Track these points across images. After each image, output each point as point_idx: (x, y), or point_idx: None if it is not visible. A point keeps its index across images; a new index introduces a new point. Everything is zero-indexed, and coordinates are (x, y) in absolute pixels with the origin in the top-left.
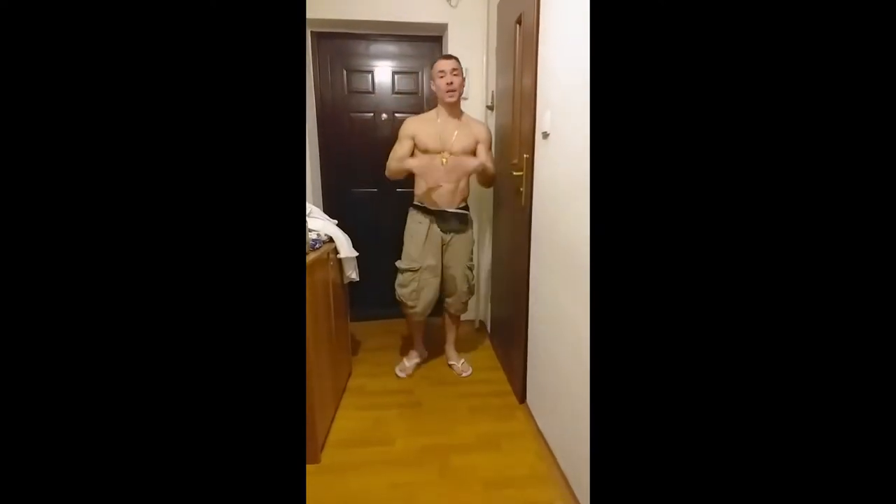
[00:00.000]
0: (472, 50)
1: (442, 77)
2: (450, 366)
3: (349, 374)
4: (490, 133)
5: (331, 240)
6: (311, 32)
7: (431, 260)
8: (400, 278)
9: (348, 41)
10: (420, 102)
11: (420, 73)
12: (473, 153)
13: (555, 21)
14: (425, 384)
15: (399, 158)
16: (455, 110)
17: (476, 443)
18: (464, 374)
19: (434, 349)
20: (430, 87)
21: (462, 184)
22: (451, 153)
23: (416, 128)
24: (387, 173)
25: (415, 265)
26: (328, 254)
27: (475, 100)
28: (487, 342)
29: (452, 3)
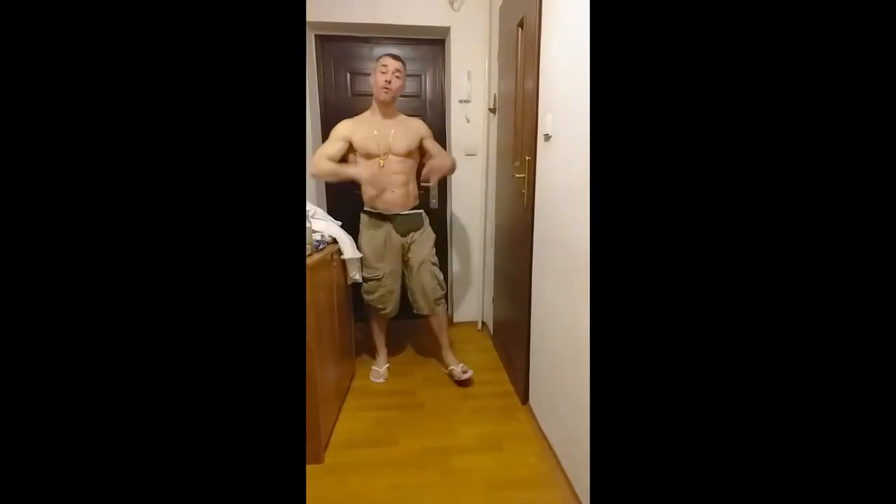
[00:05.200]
0: (475, 53)
1: (383, 73)
2: (449, 372)
3: (352, 375)
4: (428, 128)
5: (334, 241)
6: (315, 35)
7: (393, 265)
8: (365, 286)
9: (351, 44)
10: (422, 105)
11: (423, 77)
12: (419, 151)
13: (557, 24)
14: (428, 385)
15: (329, 157)
16: (390, 110)
17: (478, 444)
18: (464, 377)
19: (432, 350)
20: (431, 89)
21: (412, 185)
22: (393, 154)
23: (352, 129)
24: (313, 171)
25: (378, 273)
26: (332, 255)
27: (477, 103)
28: (490, 343)
29: (455, 7)
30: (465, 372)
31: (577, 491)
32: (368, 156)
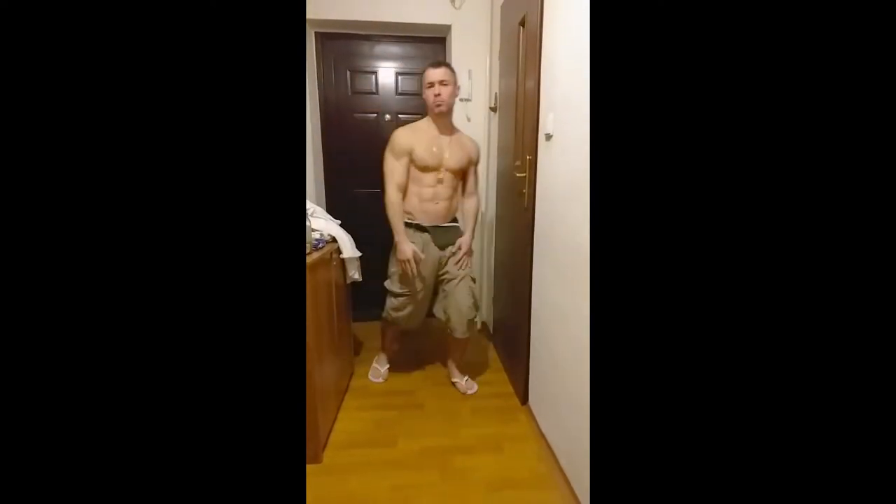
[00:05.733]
0: (476, 51)
1: (430, 87)
2: (453, 383)
3: (351, 375)
4: (479, 152)
5: (334, 240)
6: (315, 33)
7: (428, 280)
8: (393, 302)
9: (352, 42)
10: (423, 104)
11: (423, 75)
12: (465, 172)
13: (558, 22)
14: (428, 385)
15: (400, 184)
16: (446, 122)
17: (478, 445)
18: (469, 392)
19: (432, 350)
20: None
21: (455, 199)
22: (447, 169)
23: (412, 141)
24: (387, 206)
25: (409, 290)
26: (331, 254)
27: (478, 101)
28: (489, 344)
29: (456, 5)
30: (470, 388)
31: (577, 492)
32: (426, 168)
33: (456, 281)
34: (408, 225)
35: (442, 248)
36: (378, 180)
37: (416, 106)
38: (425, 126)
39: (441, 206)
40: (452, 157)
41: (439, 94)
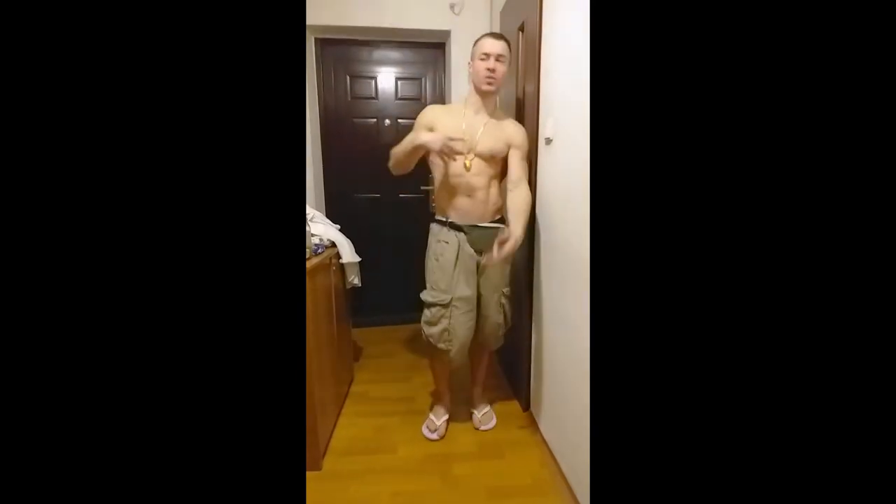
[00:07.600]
0: None
1: (484, 60)
2: (470, 414)
3: (351, 381)
4: (526, 139)
5: (333, 245)
6: (315, 39)
7: (465, 289)
8: (427, 314)
9: (351, 48)
10: (423, 108)
11: (423, 80)
12: (504, 159)
13: (558, 28)
14: (427, 391)
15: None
16: (488, 103)
17: (479, 451)
18: (482, 428)
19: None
20: (432, 92)
21: (493, 191)
22: (476, 155)
23: (437, 117)
24: (390, 163)
25: (444, 298)
26: (330, 259)
27: None
28: None
29: (455, 11)
30: (484, 424)
31: (579, 498)
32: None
33: (487, 295)
34: (441, 223)
35: (479, 252)
36: (377, 184)
37: (415, 111)
38: (459, 106)
39: (477, 199)
40: (485, 140)
41: (493, 70)
